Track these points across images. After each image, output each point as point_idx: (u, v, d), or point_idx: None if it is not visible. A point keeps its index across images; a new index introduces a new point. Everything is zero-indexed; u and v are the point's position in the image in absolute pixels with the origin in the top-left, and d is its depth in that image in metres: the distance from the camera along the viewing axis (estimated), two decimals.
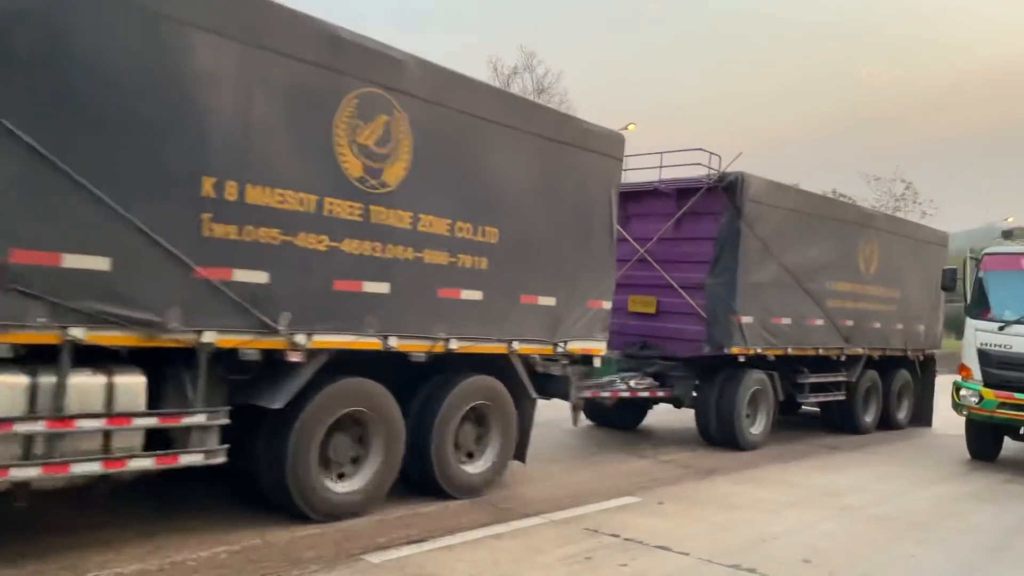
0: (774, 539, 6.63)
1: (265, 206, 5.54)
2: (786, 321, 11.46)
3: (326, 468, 6.23)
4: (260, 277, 5.56)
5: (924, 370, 15.41)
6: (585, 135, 8.16)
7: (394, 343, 6.43)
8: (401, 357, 6.60)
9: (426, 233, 6.62)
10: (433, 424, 6.92)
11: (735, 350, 10.65)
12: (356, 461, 6.46)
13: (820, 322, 12.15)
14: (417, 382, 7.08)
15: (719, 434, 11.01)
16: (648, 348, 11.43)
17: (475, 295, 7.09)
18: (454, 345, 6.91)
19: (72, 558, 5.05)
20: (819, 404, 13.08)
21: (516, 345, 7.55)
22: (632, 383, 10.65)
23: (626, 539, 6.27)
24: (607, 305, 8.57)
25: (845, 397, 13.11)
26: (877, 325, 13.48)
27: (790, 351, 11.55)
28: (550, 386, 8.37)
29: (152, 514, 6.08)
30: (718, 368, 11.05)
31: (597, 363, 8.65)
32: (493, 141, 7.19)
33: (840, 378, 12.91)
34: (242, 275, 5.46)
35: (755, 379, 11.14)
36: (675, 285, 11.08)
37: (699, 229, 11.05)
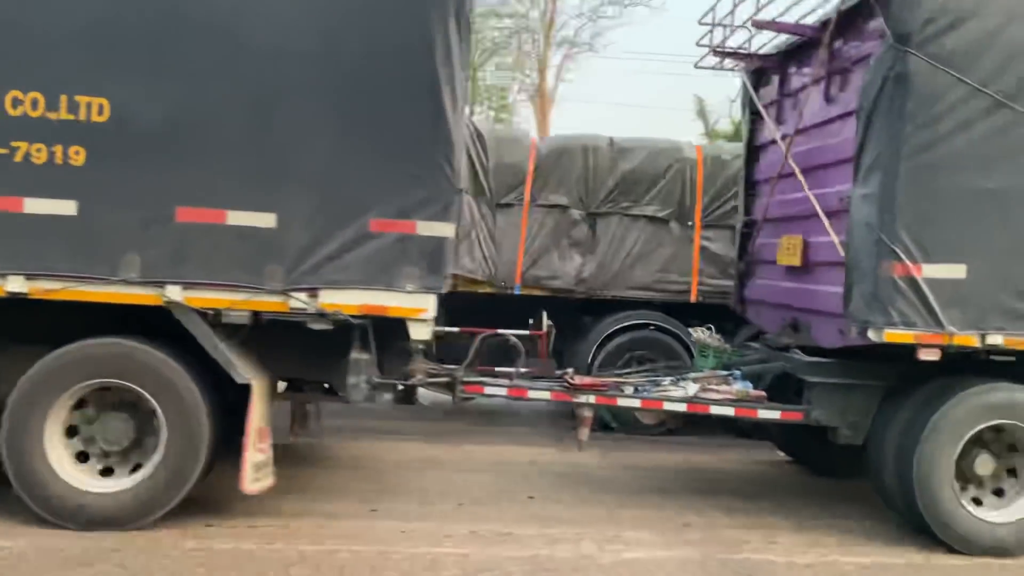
0: None
1: None
2: None
3: None
4: None
5: None
6: None
7: None
8: None
9: None
10: None
11: (891, 335, 4.98)
12: None
13: None
14: None
15: (904, 508, 5.34)
16: (800, 330, 6.23)
17: (59, 207, 4.42)
18: (13, 286, 4.40)
19: (747, 536, 5.26)
20: None
21: (176, 292, 4.52)
22: (693, 388, 5.84)
23: None
24: (427, 229, 4.64)
25: None
26: None
27: None
28: (317, 366, 4.96)
29: (814, 511, 5.93)
30: (926, 375, 5.37)
31: (418, 333, 4.77)
32: None
33: None
34: None
35: (989, 405, 5.09)
36: (819, 210, 5.76)
37: (853, 97, 5.54)
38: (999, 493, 5.25)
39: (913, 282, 4.93)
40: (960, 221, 4.95)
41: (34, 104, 4.37)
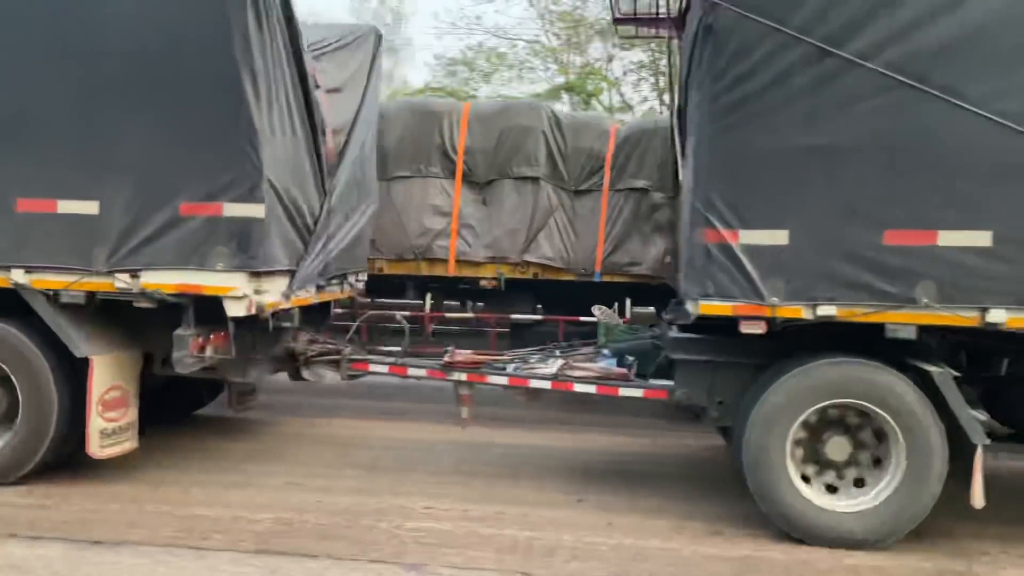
0: None
1: None
2: (961, 240, 4.41)
3: None
4: None
5: None
6: None
7: None
8: None
9: None
10: None
11: (707, 307, 4.67)
12: None
13: None
14: None
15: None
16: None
17: None
18: None
19: (983, 546, 4.69)
20: None
21: (20, 275, 5.07)
22: (555, 366, 5.71)
23: None
24: (233, 210, 4.89)
25: None
26: None
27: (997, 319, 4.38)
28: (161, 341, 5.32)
29: None
30: (798, 352, 4.98)
31: (233, 310, 5.01)
32: None
33: None
34: None
35: (819, 383, 4.63)
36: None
37: None
38: (859, 482, 4.78)
39: (728, 250, 4.60)
40: (780, 183, 4.55)
41: None
